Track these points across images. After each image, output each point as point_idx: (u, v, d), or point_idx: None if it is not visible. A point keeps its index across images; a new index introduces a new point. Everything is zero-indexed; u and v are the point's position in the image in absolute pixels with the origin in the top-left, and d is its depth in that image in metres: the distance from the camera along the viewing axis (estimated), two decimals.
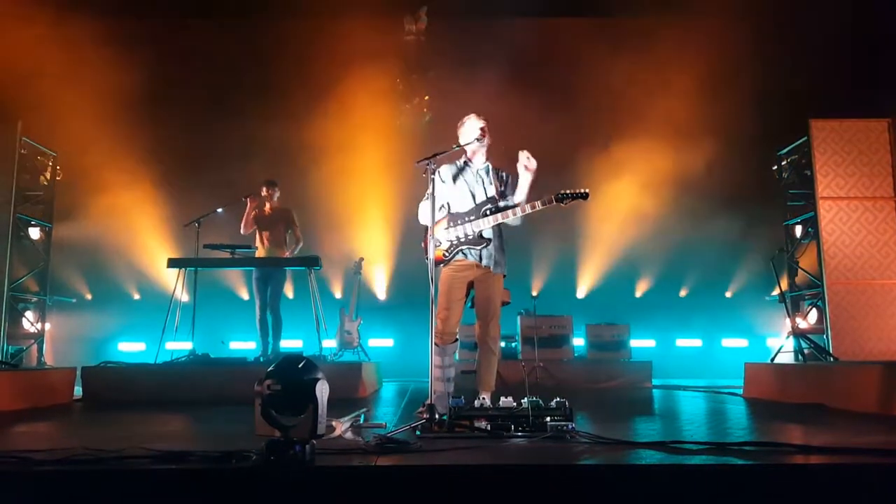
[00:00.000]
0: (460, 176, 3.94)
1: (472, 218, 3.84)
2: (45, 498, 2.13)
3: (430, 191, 3.58)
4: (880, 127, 6.86)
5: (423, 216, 3.88)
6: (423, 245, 3.93)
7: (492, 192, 3.90)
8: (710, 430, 3.48)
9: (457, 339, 3.92)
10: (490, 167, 3.99)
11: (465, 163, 3.99)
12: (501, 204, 3.88)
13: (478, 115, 3.94)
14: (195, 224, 6.78)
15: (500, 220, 3.81)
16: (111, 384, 5.73)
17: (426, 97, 10.00)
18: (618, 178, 9.18)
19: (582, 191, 3.71)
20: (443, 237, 3.87)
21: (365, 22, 9.15)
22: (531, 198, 3.79)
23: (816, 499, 2.17)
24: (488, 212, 3.83)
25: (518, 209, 3.78)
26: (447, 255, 3.84)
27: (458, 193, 3.92)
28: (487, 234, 3.85)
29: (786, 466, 2.32)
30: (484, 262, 3.84)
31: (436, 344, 3.78)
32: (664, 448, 2.64)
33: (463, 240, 3.83)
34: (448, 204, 3.96)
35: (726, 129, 9.15)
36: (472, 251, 3.83)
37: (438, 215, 3.89)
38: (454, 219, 3.88)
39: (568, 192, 3.71)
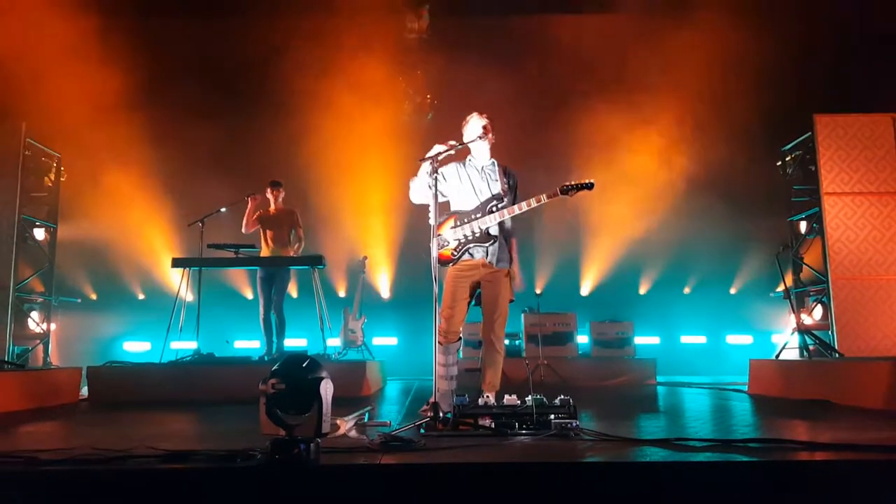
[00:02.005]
0: (465, 174, 3.94)
1: (478, 216, 3.84)
2: (51, 497, 2.14)
3: (432, 189, 3.58)
4: (885, 121, 6.83)
5: (415, 195, 3.89)
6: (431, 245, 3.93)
7: (497, 188, 3.89)
8: (715, 427, 3.48)
9: (460, 338, 3.91)
10: (496, 164, 3.98)
11: (469, 160, 3.99)
12: (506, 200, 3.87)
13: (480, 114, 3.94)
14: (199, 223, 6.80)
15: (507, 216, 3.81)
16: (117, 384, 5.75)
17: (428, 96, 10.00)
18: (621, 175, 9.16)
19: (586, 181, 3.71)
20: (450, 237, 3.87)
21: (367, 20, 9.16)
22: (535, 192, 3.81)
23: (822, 495, 2.17)
24: (494, 208, 3.83)
25: (524, 203, 3.77)
26: (455, 254, 3.83)
27: (463, 191, 3.92)
28: (494, 231, 3.84)
29: (791, 463, 2.31)
30: (489, 259, 3.84)
31: (439, 342, 3.78)
32: (669, 445, 2.63)
33: (470, 238, 3.82)
34: (450, 202, 3.96)
35: (731, 125, 9.13)
36: (479, 249, 3.83)
37: (442, 214, 3.89)
38: (460, 217, 3.88)
39: (572, 183, 3.71)
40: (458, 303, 3.84)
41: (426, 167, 3.61)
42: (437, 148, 3.66)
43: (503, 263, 3.89)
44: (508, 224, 3.94)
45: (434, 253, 3.57)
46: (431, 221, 3.70)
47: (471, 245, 3.83)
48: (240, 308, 9.50)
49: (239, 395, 4.90)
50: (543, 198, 3.73)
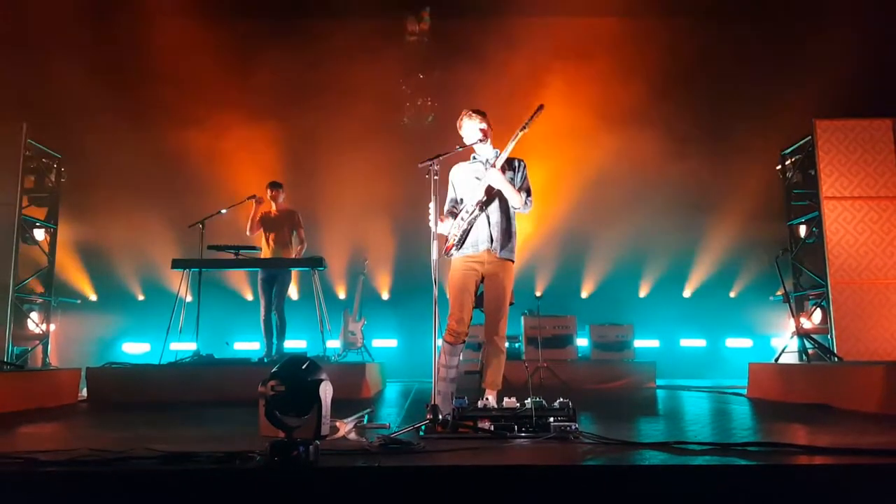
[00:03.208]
0: (471, 172, 3.95)
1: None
2: (50, 499, 2.14)
3: (434, 192, 3.58)
4: (884, 126, 6.84)
5: (438, 227, 3.86)
6: (444, 249, 3.92)
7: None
8: (714, 430, 3.48)
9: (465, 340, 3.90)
10: (498, 154, 3.98)
11: (474, 158, 4.00)
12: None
13: (471, 116, 3.90)
14: (199, 225, 6.80)
15: (490, 179, 3.77)
16: (116, 385, 5.76)
17: (429, 99, 10.01)
18: (620, 178, 9.17)
19: (535, 110, 3.66)
20: (456, 228, 3.85)
21: (368, 23, 9.18)
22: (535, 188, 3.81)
23: (821, 499, 2.17)
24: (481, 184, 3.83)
25: (497, 160, 3.77)
26: (456, 240, 3.81)
27: (469, 189, 3.91)
28: (483, 197, 3.83)
29: (790, 467, 2.31)
30: (493, 247, 3.78)
31: (448, 343, 3.77)
32: (668, 449, 2.63)
33: (466, 218, 3.81)
34: (462, 201, 3.96)
35: (731, 128, 9.14)
36: (478, 230, 3.81)
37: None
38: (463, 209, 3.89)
39: (527, 120, 3.69)
40: (466, 304, 3.83)
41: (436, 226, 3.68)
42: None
43: (506, 252, 3.86)
44: (510, 210, 3.91)
45: (434, 255, 3.56)
46: (431, 223, 3.70)
47: (468, 221, 3.80)
48: (239, 309, 9.50)
49: (238, 397, 4.91)
50: (511, 145, 3.74)
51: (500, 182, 3.79)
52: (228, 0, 9.50)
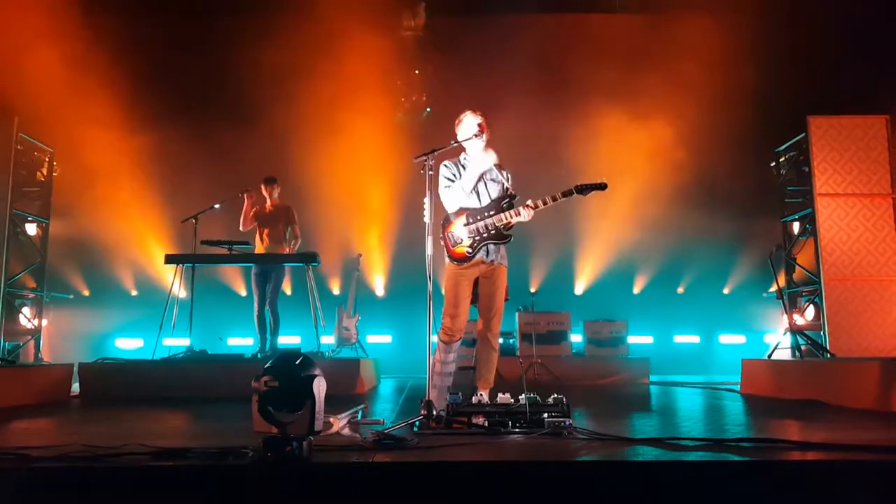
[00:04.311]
0: (464, 172, 3.93)
1: (491, 213, 3.81)
2: (42, 494, 2.13)
3: (428, 187, 3.57)
4: (878, 123, 6.85)
5: (450, 203, 3.88)
6: (442, 242, 3.90)
7: (505, 185, 3.90)
8: (708, 426, 3.49)
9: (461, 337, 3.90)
10: (495, 160, 3.97)
11: (465, 158, 3.98)
12: (517, 199, 3.86)
13: (474, 112, 3.92)
14: (192, 220, 6.77)
15: (524, 214, 3.74)
16: (108, 380, 5.73)
17: (424, 95, 9.99)
18: (616, 175, 9.17)
19: (600, 181, 3.70)
20: (463, 234, 3.83)
21: (364, 18, 9.13)
22: (530, 192, 3.79)
23: (814, 495, 2.18)
24: (505, 206, 3.81)
25: (539, 202, 3.75)
26: (470, 252, 3.80)
27: (465, 188, 3.89)
28: (507, 230, 3.83)
29: (783, 463, 2.32)
30: (491, 256, 3.82)
31: (443, 341, 3.77)
32: (661, 444, 2.64)
33: (485, 235, 3.79)
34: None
35: (724, 125, 9.15)
36: (493, 246, 3.81)
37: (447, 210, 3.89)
38: (472, 215, 3.85)
39: (588, 183, 3.70)
40: (462, 301, 3.83)
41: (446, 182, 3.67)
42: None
43: (501, 259, 3.89)
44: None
45: (429, 251, 3.55)
46: (426, 219, 3.69)
47: (488, 242, 3.80)
48: (233, 305, 9.47)
49: (232, 393, 4.89)
50: (559, 195, 3.70)
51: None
52: None
